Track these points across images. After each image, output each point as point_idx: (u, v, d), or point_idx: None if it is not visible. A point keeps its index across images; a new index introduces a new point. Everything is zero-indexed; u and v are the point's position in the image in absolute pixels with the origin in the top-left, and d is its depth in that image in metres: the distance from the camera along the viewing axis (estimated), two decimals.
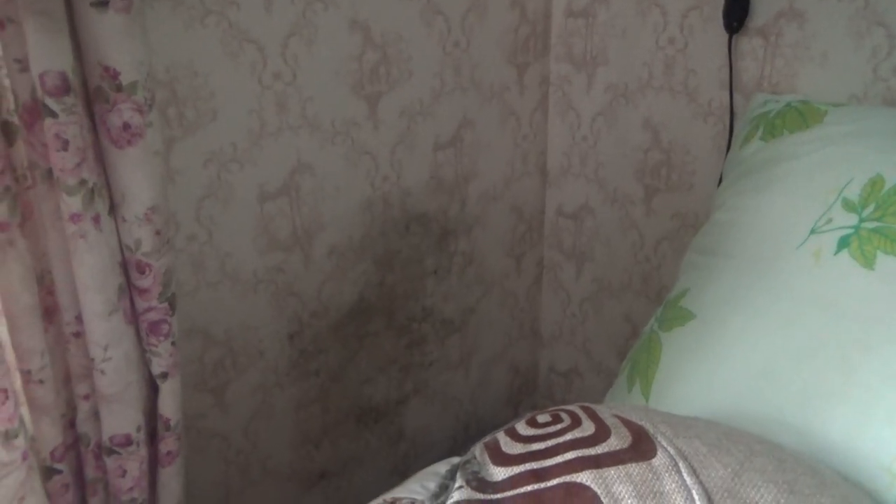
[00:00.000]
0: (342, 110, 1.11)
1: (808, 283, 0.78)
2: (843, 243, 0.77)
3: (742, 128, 1.04)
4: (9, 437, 0.69)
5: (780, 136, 0.95)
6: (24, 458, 0.71)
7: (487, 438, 0.70)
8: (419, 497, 0.73)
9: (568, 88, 1.38)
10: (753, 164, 0.95)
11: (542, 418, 0.69)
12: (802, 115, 0.95)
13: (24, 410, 0.76)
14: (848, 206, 0.79)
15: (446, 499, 0.61)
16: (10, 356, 0.74)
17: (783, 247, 0.83)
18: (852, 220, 0.78)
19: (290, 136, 1.06)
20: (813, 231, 0.81)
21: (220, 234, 1.03)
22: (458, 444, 1.50)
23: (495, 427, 1.61)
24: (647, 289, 1.37)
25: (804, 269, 0.79)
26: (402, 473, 1.41)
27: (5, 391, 0.68)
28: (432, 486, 0.72)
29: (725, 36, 1.12)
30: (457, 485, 0.62)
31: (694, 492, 0.56)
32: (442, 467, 0.79)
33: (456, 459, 0.76)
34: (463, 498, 0.60)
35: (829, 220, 0.80)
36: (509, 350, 1.55)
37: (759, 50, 1.11)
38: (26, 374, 0.75)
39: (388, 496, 0.76)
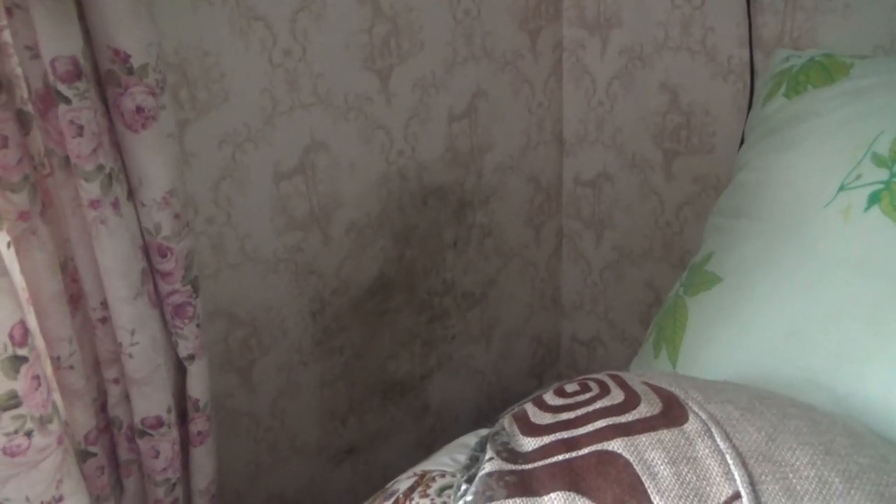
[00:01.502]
0: (354, 85, 1.09)
1: (838, 242, 0.76)
2: (874, 199, 0.75)
3: (764, 85, 1.02)
4: (43, 422, 0.70)
5: (804, 92, 0.92)
6: (60, 442, 0.72)
7: (515, 409, 0.69)
8: (449, 469, 0.74)
9: (582, 53, 1.36)
10: (777, 122, 0.93)
11: (570, 388, 0.68)
12: (827, 69, 0.92)
13: (57, 396, 0.78)
14: (878, 160, 0.77)
15: (477, 470, 0.61)
16: (40, 343, 0.75)
17: (811, 206, 0.81)
18: (883, 175, 0.76)
19: (303, 114, 1.05)
20: (841, 188, 0.79)
21: (238, 215, 1.03)
22: (483, 416, 1.51)
23: (519, 398, 1.62)
24: (668, 255, 1.36)
25: (833, 227, 0.77)
26: (428, 446, 1.42)
27: (38, 378, 0.69)
28: (462, 458, 0.73)
29: None
30: (487, 456, 0.62)
31: (728, 456, 0.55)
32: (470, 439, 0.79)
33: (484, 431, 0.76)
34: (494, 469, 0.60)
35: (859, 177, 0.78)
36: (531, 321, 1.55)
37: (780, 4, 1.07)
38: (56, 361, 0.76)
39: (418, 469, 0.76)
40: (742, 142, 1.04)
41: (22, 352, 0.67)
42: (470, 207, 1.33)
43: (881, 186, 0.75)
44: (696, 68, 1.20)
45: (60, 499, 0.73)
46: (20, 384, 0.67)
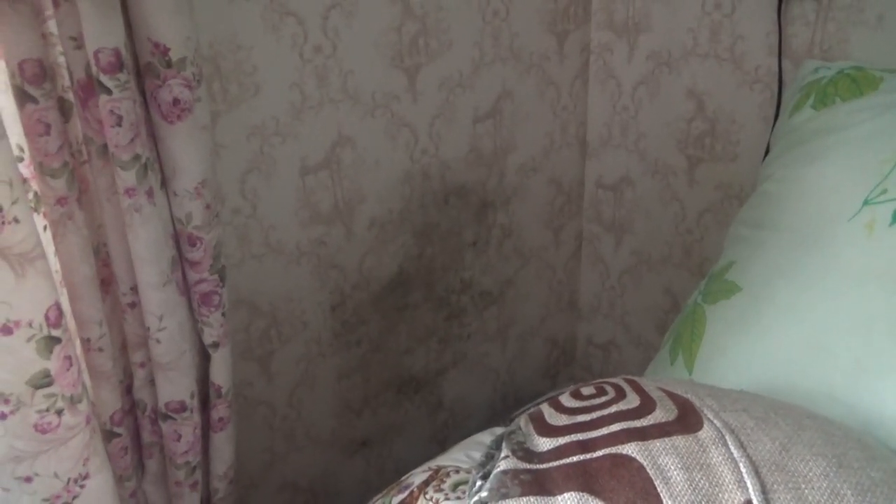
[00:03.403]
0: (382, 83, 1.11)
1: (861, 256, 0.76)
2: None
3: (791, 96, 1.01)
4: (73, 401, 0.72)
5: (832, 105, 0.92)
6: (88, 421, 0.74)
7: (532, 410, 0.70)
8: (464, 465, 0.75)
9: (609, 57, 1.36)
10: (804, 134, 0.93)
11: (586, 390, 0.69)
12: (856, 83, 0.92)
13: (85, 377, 0.80)
14: None
15: (493, 468, 0.62)
16: (72, 325, 0.77)
17: (834, 219, 0.81)
18: None
19: (331, 110, 1.07)
20: (866, 202, 0.79)
21: (263, 207, 1.05)
22: (495, 414, 1.52)
23: (533, 398, 1.63)
24: (688, 261, 1.36)
25: (856, 241, 0.77)
26: (440, 442, 1.44)
27: (69, 358, 0.71)
28: (477, 455, 0.74)
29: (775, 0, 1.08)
30: (502, 454, 0.63)
31: (741, 465, 0.56)
32: (486, 437, 0.80)
33: (499, 430, 0.77)
34: (509, 467, 0.61)
35: (884, 191, 0.77)
36: (547, 322, 1.55)
37: (811, 14, 1.07)
38: (86, 343, 0.78)
39: (433, 463, 0.78)
40: (767, 152, 1.04)
41: (56, 333, 0.69)
42: (491, 207, 1.34)
43: None
44: (724, 76, 1.20)
45: (86, 476, 0.75)
46: (53, 364, 0.69)
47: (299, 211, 1.09)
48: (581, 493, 0.57)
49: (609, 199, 1.46)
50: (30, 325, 0.67)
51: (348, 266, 1.17)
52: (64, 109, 0.72)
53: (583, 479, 0.58)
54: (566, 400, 0.69)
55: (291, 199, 1.08)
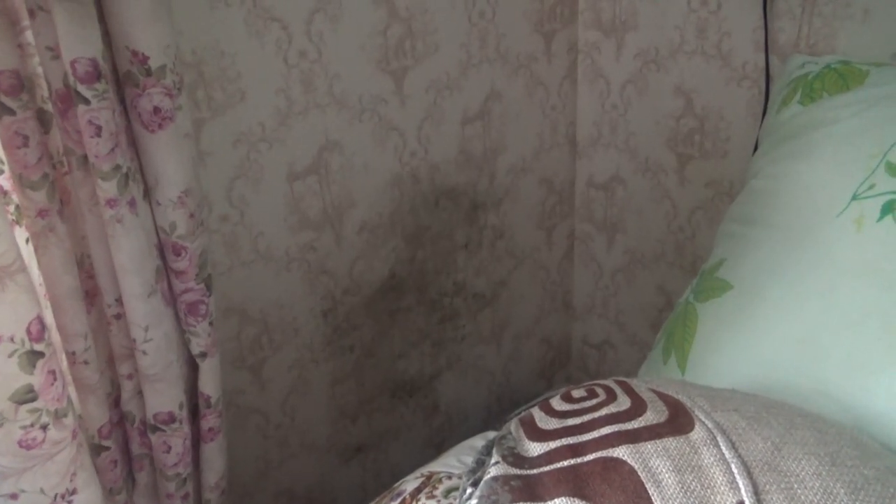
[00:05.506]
0: (368, 87, 1.10)
1: (850, 251, 0.76)
2: (887, 209, 0.75)
3: (779, 91, 1.01)
4: (59, 415, 0.71)
5: (819, 100, 0.92)
6: (74, 436, 0.74)
7: (522, 414, 0.70)
8: (456, 471, 0.74)
9: (597, 56, 1.35)
10: (791, 130, 0.92)
11: (576, 393, 0.69)
12: (843, 77, 0.91)
13: (72, 390, 0.79)
14: (892, 170, 0.76)
15: (483, 474, 0.62)
16: (56, 338, 0.76)
17: (823, 214, 0.80)
18: None
19: (318, 115, 1.06)
20: (854, 197, 0.78)
21: (251, 214, 1.04)
22: (491, 417, 1.52)
23: (529, 399, 1.62)
24: (680, 259, 1.35)
25: (845, 236, 0.77)
26: (436, 446, 1.43)
27: (53, 372, 0.70)
28: (469, 460, 0.73)
29: None
30: (493, 460, 0.62)
31: (733, 465, 0.55)
32: (478, 442, 0.80)
33: (492, 434, 0.76)
34: (500, 473, 0.60)
35: (872, 186, 0.77)
36: (541, 323, 1.55)
37: (797, 9, 1.07)
38: (71, 356, 0.77)
39: (426, 470, 0.77)
40: (756, 148, 1.03)
41: (39, 347, 0.68)
42: (482, 209, 1.34)
43: (895, 196, 0.75)
44: (711, 73, 1.19)
45: (74, 491, 0.74)
46: (36, 379, 0.68)
47: (288, 217, 1.08)
48: (572, 499, 0.56)
49: (600, 198, 1.46)
50: (11, 339, 0.66)
51: (339, 271, 1.17)
52: (43, 120, 0.71)
53: (574, 483, 0.57)
54: (557, 403, 0.68)
55: (280, 206, 1.07)
